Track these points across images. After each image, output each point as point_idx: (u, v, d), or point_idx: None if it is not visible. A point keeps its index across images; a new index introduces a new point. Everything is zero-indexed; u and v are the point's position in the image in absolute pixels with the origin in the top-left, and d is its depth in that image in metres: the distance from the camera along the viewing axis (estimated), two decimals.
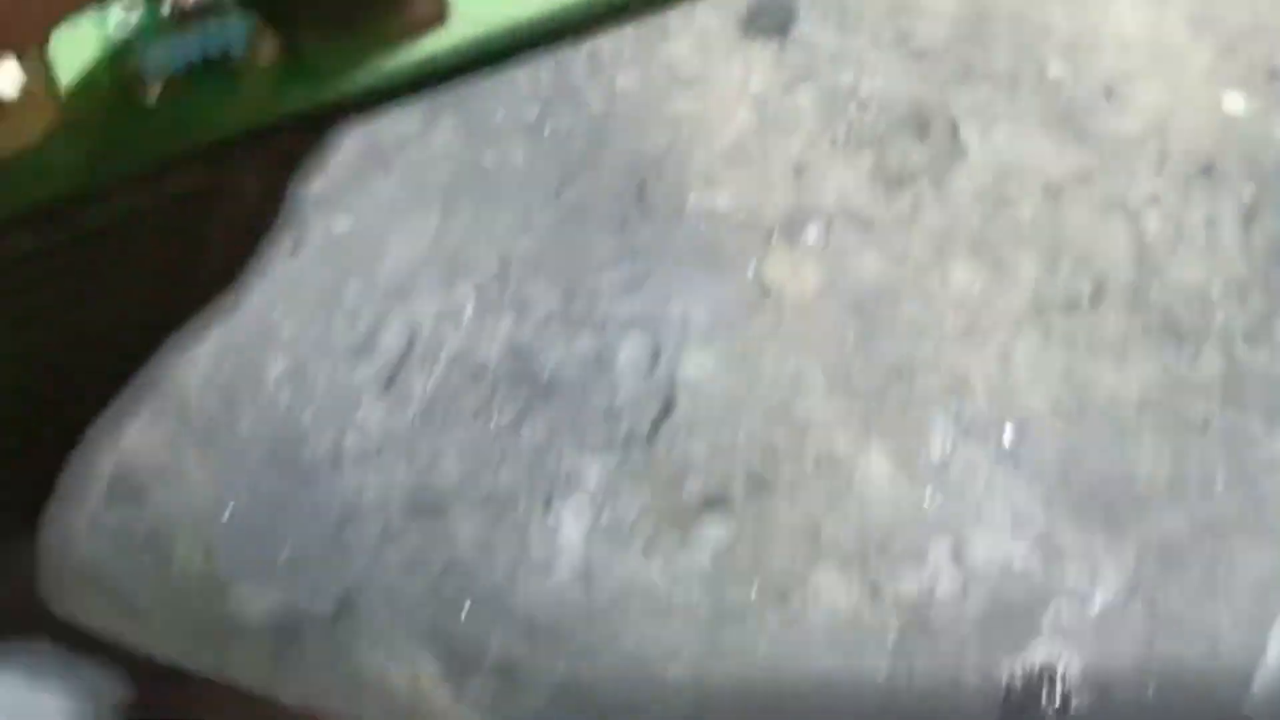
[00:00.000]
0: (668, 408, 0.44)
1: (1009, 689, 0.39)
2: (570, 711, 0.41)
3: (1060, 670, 0.40)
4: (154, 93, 0.49)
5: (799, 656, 0.40)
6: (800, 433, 0.43)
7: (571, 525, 0.42)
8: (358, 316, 0.46)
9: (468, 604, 0.42)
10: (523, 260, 0.47)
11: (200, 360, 0.46)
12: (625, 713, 0.40)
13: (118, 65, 0.50)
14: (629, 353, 0.45)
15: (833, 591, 0.41)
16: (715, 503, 0.42)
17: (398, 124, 0.50)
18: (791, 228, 0.48)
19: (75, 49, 0.50)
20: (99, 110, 0.50)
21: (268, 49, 0.50)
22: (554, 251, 0.47)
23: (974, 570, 0.41)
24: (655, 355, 0.45)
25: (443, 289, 0.47)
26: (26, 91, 0.48)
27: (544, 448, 0.44)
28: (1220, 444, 0.42)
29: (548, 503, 0.43)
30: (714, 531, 0.42)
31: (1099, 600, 0.40)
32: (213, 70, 0.50)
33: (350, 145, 0.49)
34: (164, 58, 0.48)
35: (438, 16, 0.49)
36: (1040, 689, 0.39)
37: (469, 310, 0.47)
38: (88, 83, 0.50)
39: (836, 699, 0.40)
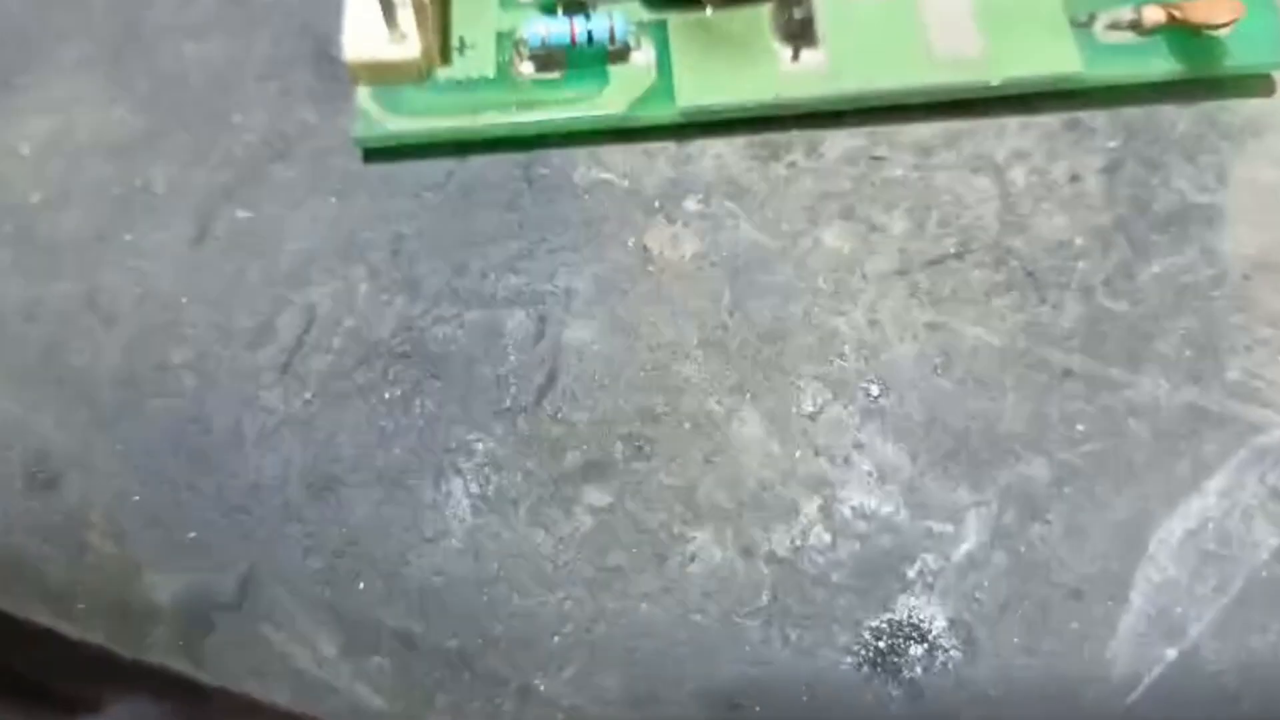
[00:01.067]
0: (552, 377, 0.40)
1: (879, 643, 0.36)
2: (464, 681, 0.37)
3: (928, 622, 0.36)
4: (529, 67, 0.46)
5: (677, 616, 0.36)
6: (677, 396, 0.39)
7: (460, 497, 0.39)
8: (257, 301, 0.42)
9: (362, 583, 0.38)
10: (415, 239, 0.43)
11: (107, 349, 0.42)
12: (516, 678, 0.36)
13: (507, 34, 0.47)
14: (515, 324, 0.41)
15: (708, 551, 0.37)
16: (596, 468, 0.38)
17: None
18: (672, 198, 0.44)
19: (474, 11, 0.49)
20: (480, 69, 0.47)
21: (645, 56, 0.47)
22: (444, 230, 0.43)
23: (843, 525, 0.37)
24: (541, 326, 0.41)
25: (338, 270, 0.43)
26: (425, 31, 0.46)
27: (434, 421, 0.40)
28: (1082, 391, 0.39)
29: (438, 476, 0.39)
30: (595, 497, 0.38)
31: (963, 551, 0.37)
32: (587, 63, 0.47)
33: None
34: (544, 38, 0.46)
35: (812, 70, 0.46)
36: (909, 642, 0.35)
37: (363, 290, 0.42)
38: (476, 41, 0.48)
39: (715, 657, 0.36)
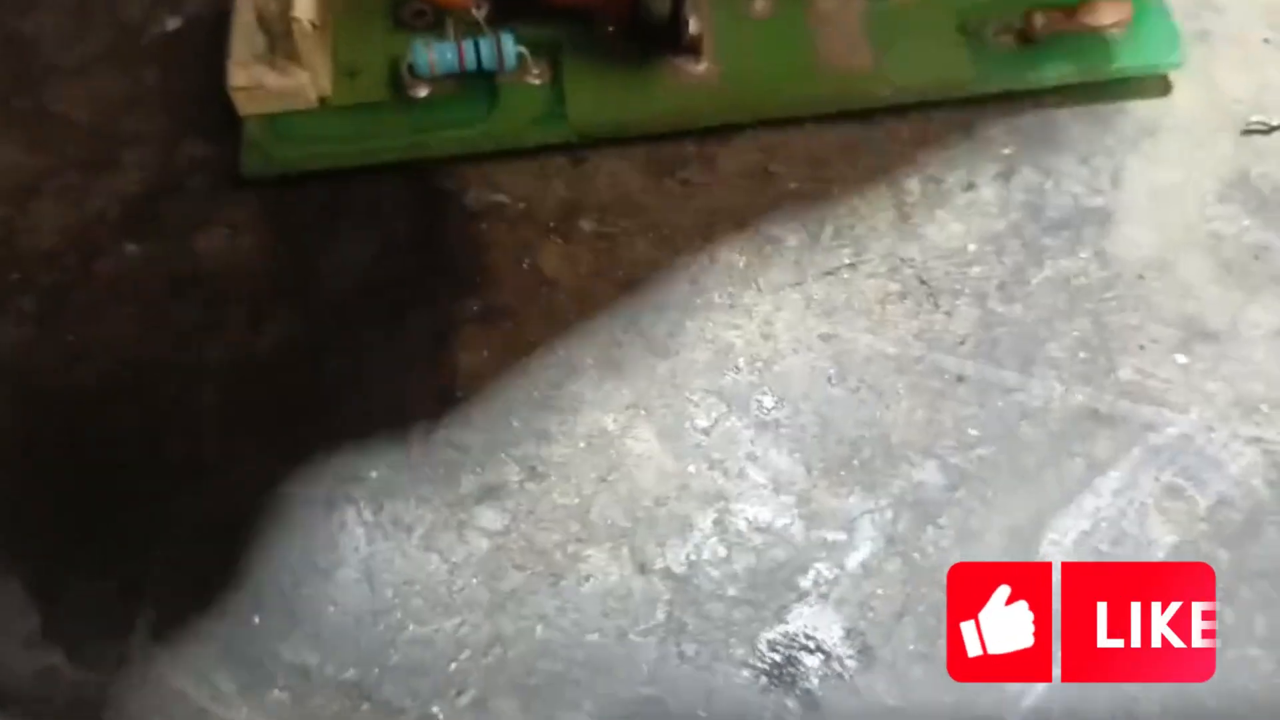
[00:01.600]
0: (446, 401, 0.40)
1: (774, 655, 0.36)
2: (363, 712, 0.37)
3: (823, 632, 0.36)
4: (419, 90, 0.47)
5: (574, 637, 0.37)
6: (572, 415, 0.40)
7: (353, 526, 0.39)
8: None
9: (258, 617, 0.38)
10: (312, 265, 0.45)
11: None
12: (414, 707, 0.36)
13: (396, 59, 0.47)
14: (410, 349, 0.42)
15: (604, 569, 0.38)
16: (491, 491, 0.39)
17: None
18: (567, 218, 0.44)
19: (362, 36, 0.49)
20: (370, 94, 0.48)
21: (536, 75, 0.47)
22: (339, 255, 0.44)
23: (738, 538, 0.38)
24: (435, 349, 0.41)
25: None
26: (311, 58, 0.46)
27: (327, 450, 0.40)
28: (975, 396, 0.39)
29: (330, 506, 0.39)
30: (490, 520, 0.38)
31: (857, 559, 0.37)
32: (478, 84, 0.47)
33: None
34: (435, 60, 0.46)
35: (704, 84, 0.47)
36: (804, 653, 0.36)
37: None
38: (365, 67, 0.48)
39: (612, 674, 0.36)
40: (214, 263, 0.43)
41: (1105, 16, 0.44)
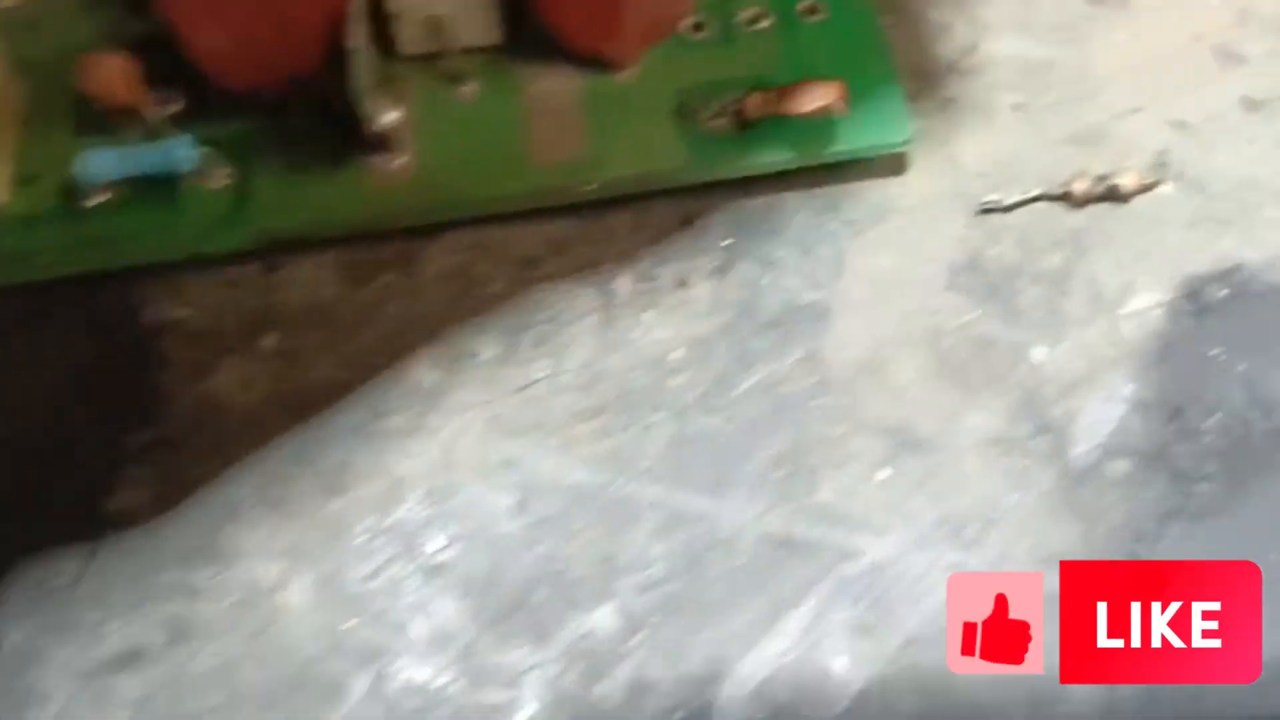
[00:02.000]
0: (92, 554, 0.36)
1: None
2: None
3: None
4: (92, 200, 0.43)
5: None
6: (225, 566, 0.35)
7: None
8: None
9: None
10: None
11: None
12: None
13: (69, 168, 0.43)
14: (56, 494, 0.37)
15: None
16: (133, 656, 0.34)
17: None
18: (249, 335, 0.40)
19: (45, 141, 0.45)
20: (43, 204, 0.43)
21: (218, 177, 0.43)
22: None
23: (395, 701, 0.34)
24: (85, 495, 0.37)
25: None
26: None
27: None
28: (662, 525, 0.35)
29: None
30: (130, 689, 0.34)
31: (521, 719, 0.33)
32: (158, 189, 0.43)
33: None
34: (102, 168, 0.42)
35: (401, 179, 0.43)
36: None
37: None
38: (44, 173, 0.44)
39: None
40: None
41: (813, 99, 0.40)
